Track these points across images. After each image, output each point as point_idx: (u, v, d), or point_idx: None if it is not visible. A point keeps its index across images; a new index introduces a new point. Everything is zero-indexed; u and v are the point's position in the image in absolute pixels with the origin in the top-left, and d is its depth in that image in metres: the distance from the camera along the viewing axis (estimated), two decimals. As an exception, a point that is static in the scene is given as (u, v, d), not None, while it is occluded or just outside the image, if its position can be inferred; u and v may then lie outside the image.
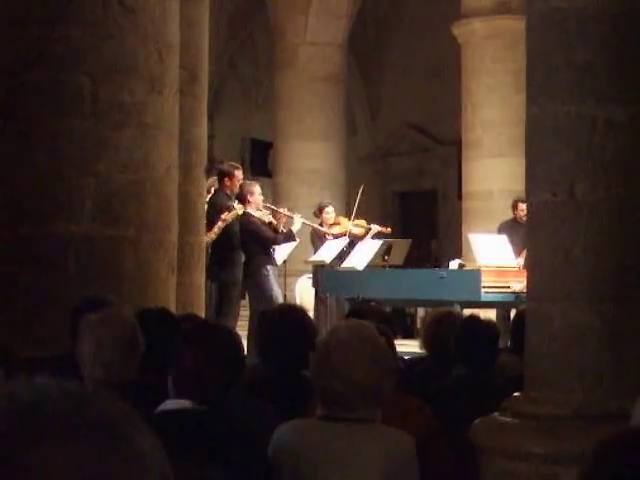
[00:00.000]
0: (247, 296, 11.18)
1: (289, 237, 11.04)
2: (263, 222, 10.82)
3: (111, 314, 4.08)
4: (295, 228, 11.16)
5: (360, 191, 12.27)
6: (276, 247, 10.99)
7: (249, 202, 10.75)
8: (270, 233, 10.81)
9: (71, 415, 0.88)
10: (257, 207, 10.88)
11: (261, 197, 11.02)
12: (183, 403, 3.17)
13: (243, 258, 10.69)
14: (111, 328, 3.87)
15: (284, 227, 11.06)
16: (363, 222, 12.35)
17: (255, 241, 10.69)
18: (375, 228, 12.31)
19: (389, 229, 12.82)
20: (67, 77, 5.81)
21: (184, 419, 3.07)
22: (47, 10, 5.76)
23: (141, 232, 5.95)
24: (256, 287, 10.78)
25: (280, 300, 10.64)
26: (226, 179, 10.63)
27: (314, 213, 12.47)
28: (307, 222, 11.46)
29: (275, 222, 10.99)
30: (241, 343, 3.52)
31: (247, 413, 3.64)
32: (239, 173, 10.76)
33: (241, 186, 10.82)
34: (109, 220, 5.84)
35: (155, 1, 6.06)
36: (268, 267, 10.78)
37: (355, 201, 12.26)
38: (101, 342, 3.83)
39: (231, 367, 3.27)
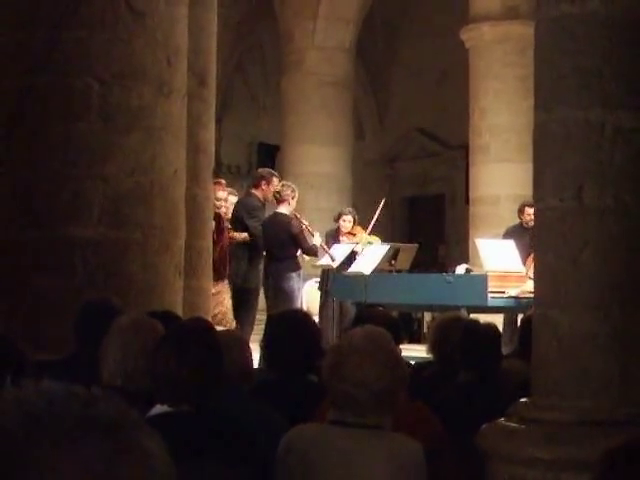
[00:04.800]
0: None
1: (315, 251, 11.11)
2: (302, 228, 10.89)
3: (142, 321, 3.99)
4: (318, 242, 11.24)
5: (381, 205, 12.18)
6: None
7: (289, 205, 10.79)
8: (308, 243, 10.85)
9: (77, 417, 0.89)
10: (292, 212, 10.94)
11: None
12: (172, 407, 3.15)
13: (262, 264, 10.68)
14: (140, 336, 3.77)
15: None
16: (378, 240, 12.31)
17: (293, 246, 10.72)
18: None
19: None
20: (75, 80, 5.82)
21: (167, 423, 3.03)
22: (56, 13, 5.78)
23: (148, 235, 5.96)
24: (279, 290, 10.80)
25: (298, 305, 10.65)
26: (263, 183, 10.62)
27: (334, 218, 12.49)
28: (323, 245, 11.44)
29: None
30: (217, 343, 3.44)
31: (251, 417, 3.64)
32: (277, 181, 10.76)
33: (283, 187, 10.88)
34: (116, 223, 5.84)
35: (164, 5, 6.07)
36: (293, 273, 10.82)
37: (375, 213, 12.16)
38: (127, 350, 3.74)
39: (206, 367, 3.22)
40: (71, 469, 0.85)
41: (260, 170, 11.56)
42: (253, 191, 10.68)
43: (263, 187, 10.54)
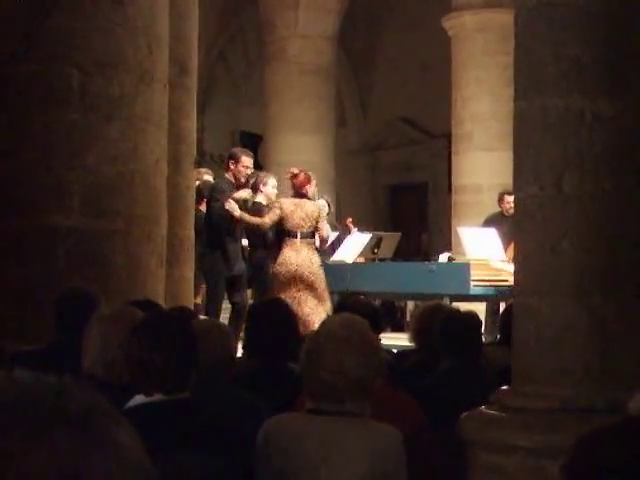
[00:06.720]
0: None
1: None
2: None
3: (122, 311, 3.98)
4: None
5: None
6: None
7: (260, 192, 10.68)
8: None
9: (48, 407, 0.88)
10: (268, 199, 10.75)
11: (275, 191, 10.90)
12: (151, 397, 3.14)
13: (234, 248, 10.62)
14: (121, 325, 3.71)
15: None
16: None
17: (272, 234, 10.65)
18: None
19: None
20: (56, 69, 5.80)
21: (145, 414, 3.01)
22: (37, 2, 5.75)
23: (130, 224, 5.95)
24: (257, 280, 10.73)
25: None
26: (231, 162, 10.48)
27: None
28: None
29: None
30: (191, 330, 3.43)
31: (233, 406, 3.64)
32: (246, 159, 10.57)
33: (256, 175, 10.75)
34: (98, 212, 5.83)
35: (144, -7, 6.05)
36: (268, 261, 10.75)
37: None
38: (107, 341, 3.73)
39: (179, 355, 3.19)
40: (40, 459, 0.85)
41: (231, 150, 11.45)
42: (225, 174, 10.61)
43: (231, 167, 10.42)
